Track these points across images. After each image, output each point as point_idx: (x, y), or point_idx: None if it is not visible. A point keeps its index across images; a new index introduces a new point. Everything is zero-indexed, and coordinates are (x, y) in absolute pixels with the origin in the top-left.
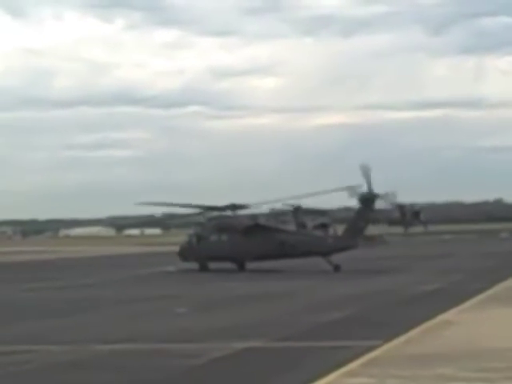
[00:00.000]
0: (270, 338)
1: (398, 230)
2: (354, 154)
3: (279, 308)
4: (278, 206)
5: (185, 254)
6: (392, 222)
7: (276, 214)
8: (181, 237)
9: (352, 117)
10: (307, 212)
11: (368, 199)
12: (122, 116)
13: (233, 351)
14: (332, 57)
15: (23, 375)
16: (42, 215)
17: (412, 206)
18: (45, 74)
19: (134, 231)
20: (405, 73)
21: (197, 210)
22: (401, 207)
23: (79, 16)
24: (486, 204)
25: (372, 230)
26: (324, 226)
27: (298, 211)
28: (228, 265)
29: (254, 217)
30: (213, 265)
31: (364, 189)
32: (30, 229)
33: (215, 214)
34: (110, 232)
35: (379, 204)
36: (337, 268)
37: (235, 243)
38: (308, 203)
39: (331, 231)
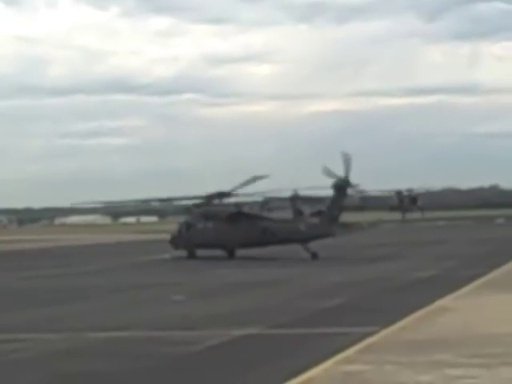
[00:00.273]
0: (267, 325)
1: (396, 216)
2: (349, 141)
3: (275, 295)
4: (271, 193)
5: (175, 241)
6: (392, 209)
7: (264, 202)
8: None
9: (347, 103)
10: (304, 199)
11: (342, 187)
12: (117, 104)
13: (229, 338)
14: (327, 43)
15: (18, 363)
16: (38, 203)
17: (410, 191)
18: (39, 61)
19: (130, 219)
20: (400, 59)
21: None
22: (398, 193)
23: (73, 3)
24: (481, 190)
25: (370, 216)
26: (321, 214)
27: (295, 199)
28: (219, 252)
29: (241, 205)
30: (205, 252)
31: (340, 176)
32: (26, 217)
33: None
34: (105, 220)
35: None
36: (314, 255)
37: (219, 231)
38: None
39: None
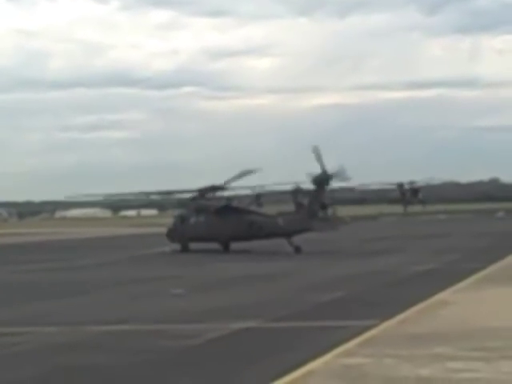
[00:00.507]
0: (267, 319)
1: (397, 209)
2: (349, 135)
3: (274, 288)
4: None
5: (171, 235)
6: (392, 202)
7: (257, 196)
8: None
9: (347, 97)
10: (307, 193)
11: (322, 181)
12: (117, 97)
13: (229, 332)
14: (327, 37)
15: (18, 356)
16: (38, 197)
17: (411, 183)
18: (39, 55)
19: (131, 212)
20: (400, 53)
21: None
22: (400, 186)
23: None
24: (481, 184)
25: (371, 209)
26: (324, 207)
27: (296, 192)
28: (215, 246)
29: (231, 199)
30: (202, 246)
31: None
32: (26, 210)
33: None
34: (106, 213)
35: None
36: (297, 249)
37: (209, 224)
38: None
39: (331, 211)
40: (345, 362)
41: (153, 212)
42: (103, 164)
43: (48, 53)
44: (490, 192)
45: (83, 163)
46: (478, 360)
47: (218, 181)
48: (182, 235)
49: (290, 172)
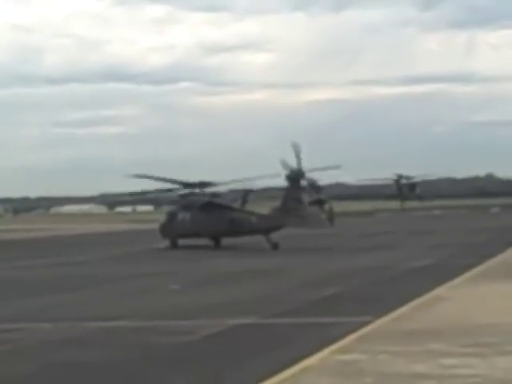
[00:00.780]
0: (263, 315)
1: (392, 204)
2: (344, 130)
3: (270, 285)
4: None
5: (162, 231)
6: (388, 197)
7: (245, 193)
8: None
9: (343, 92)
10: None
11: (295, 178)
12: (113, 92)
13: (225, 328)
14: (323, 32)
15: (12, 353)
16: (34, 193)
17: (408, 178)
18: (34, 50)
19: (126, 208)
20: (396, 48)
21: (174, 186)
22: (397, 181)
23: None
24: (477, 179)
25: (367, 205)
26: (320, 202)
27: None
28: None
29: (217, 195)
30: (197, 242)
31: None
32: (21, 206)
33: (187, 190)
34: (101, 209)
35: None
36: (275, 246)
37: (194, 221)
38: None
39: (327, 207)
40: (340, 358)
41: (148, 208)
42: (99, 159)
43: (43, 48)
44: (486, 187)
45: (79, 158)
46: (473, 356)
47: (214, 175)
48: (171, 232)
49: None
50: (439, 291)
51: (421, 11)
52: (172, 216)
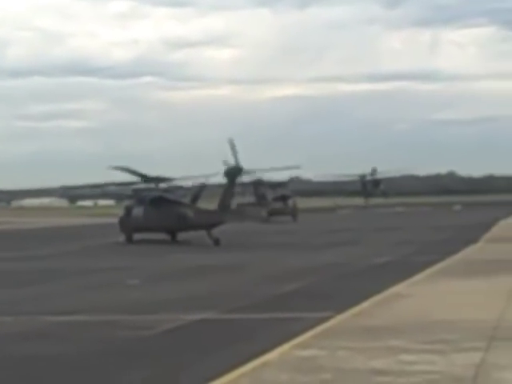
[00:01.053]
0: (222, 310)
1: (354, 201)
2: (308, 126)
3: (230, 280)
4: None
5: (121, 225)
6: (351, 193)
7: (200, 188)
8: None
9: (307, 89)
10: (267, 185)
11: (232, 174)
12: (76, 86)
13: (184, 323)
14: (288, 28)
15: None
16: None
17: (373, 173)
18: None
19: (88, 202)
20: (360, 45)
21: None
22: (362, 177)
23: None
24: (439, 177)
25: (327, 201)
26: (284, 198)
27: (258, 184)
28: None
29: (171, 190)
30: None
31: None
32: None
33: (142, 185)
34: (62, 203)
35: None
36: (217, 242)
37: (146, 216)
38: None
39: (291, 203)
40: (300, 353)
41: (110, 202)
42: (61, 153)
43: (5, 40)
44: (448, 185)
45: (41, 152)
46: (432, 353)
47: (177, 170)
48: (127, 226)
49: (250, 163)
50: (399, 288)
51: (386, 9)
52: (128, 210)
